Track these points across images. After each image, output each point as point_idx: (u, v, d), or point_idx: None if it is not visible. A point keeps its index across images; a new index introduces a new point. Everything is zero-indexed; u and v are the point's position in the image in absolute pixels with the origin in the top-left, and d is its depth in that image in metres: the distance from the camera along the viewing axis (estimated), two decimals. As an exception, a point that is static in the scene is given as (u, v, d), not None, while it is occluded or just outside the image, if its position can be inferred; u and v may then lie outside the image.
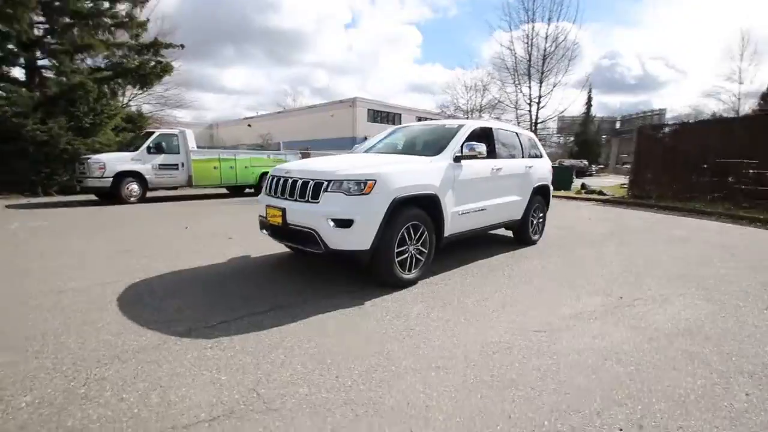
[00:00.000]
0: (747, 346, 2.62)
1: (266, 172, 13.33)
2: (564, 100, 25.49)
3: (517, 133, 5.59)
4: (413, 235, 3.64)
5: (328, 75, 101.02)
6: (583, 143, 47.60)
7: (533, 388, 2.06)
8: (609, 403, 1.95)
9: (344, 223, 3.24)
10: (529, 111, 19.75)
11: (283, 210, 3.51)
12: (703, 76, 73.91)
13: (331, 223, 3.25)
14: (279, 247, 5.02)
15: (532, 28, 19.00)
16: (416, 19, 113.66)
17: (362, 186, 3.27)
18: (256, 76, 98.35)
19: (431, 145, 4.37)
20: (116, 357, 2.27)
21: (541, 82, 19.29)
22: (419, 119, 38.50)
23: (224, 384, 2.03)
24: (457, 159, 4.12)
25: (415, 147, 4.42)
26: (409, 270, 3.66)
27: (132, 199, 10.20)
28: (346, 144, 32.54)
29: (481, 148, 4.15)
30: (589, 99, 48.67)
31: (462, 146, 4.17)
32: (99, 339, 2.49)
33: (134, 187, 10.28)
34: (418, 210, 3.64)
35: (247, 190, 13.97)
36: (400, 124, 38.60)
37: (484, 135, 4.71)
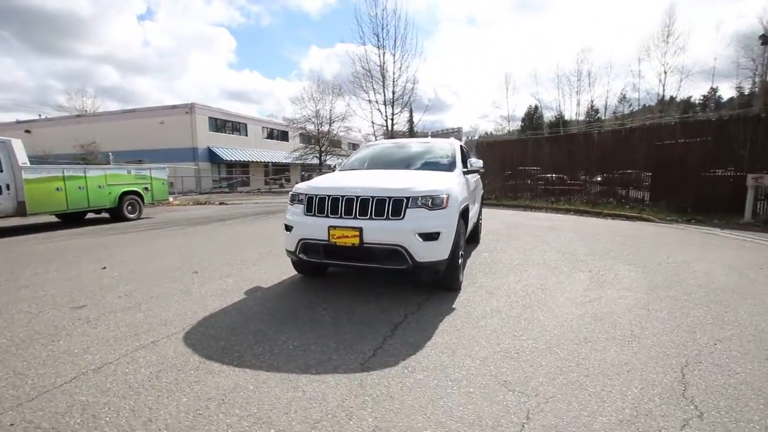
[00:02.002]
0: (686, 287, 4.14)
1: (128, 191, 10.96)
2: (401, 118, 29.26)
3: (464, 148, 6.61)
4: (462, 242, 4.11)
5: (119, 72, 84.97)
6: (409, 155, 55.13)
7: (646, 337, 2.90)
8: (689, 332, 2.96)
9: (432, 237, 3.47)
10: (385, 126, 21.94)
11: (360, 229, 3.46)
12: (479, 102, 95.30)
13: (419, 238, 3.43)
14: (281, 273, 4.63)
15: (383, 54, 21.29)
16: (225, 21, 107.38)
17: (441, 200, 3.57)
18: (7, 66, 74.39)
19: (440, 161, 4.88)
20: (340, 407, 2.03)
21: (393, 102, 21.75)
22: (264, 129, 37.08)
23: (485, 396, 2.14)
24: (463, 173, 4.77)
25: (428, 163, 4.82)
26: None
27: (-72, 239, 6.92)
28: (187, 155, 28.62)
29: (479, 163, 4.92)
30: (411, 116, 56.45)
31: (465, 162, 4.84)
32: (281, 397, 2.11)
33: (-71, 222, 7.00)
34: (462, 220, 4.13)
35: (92, 216, 11.11)
36: (246, 134, 35.89)
37: (462, 151, 5.50)
